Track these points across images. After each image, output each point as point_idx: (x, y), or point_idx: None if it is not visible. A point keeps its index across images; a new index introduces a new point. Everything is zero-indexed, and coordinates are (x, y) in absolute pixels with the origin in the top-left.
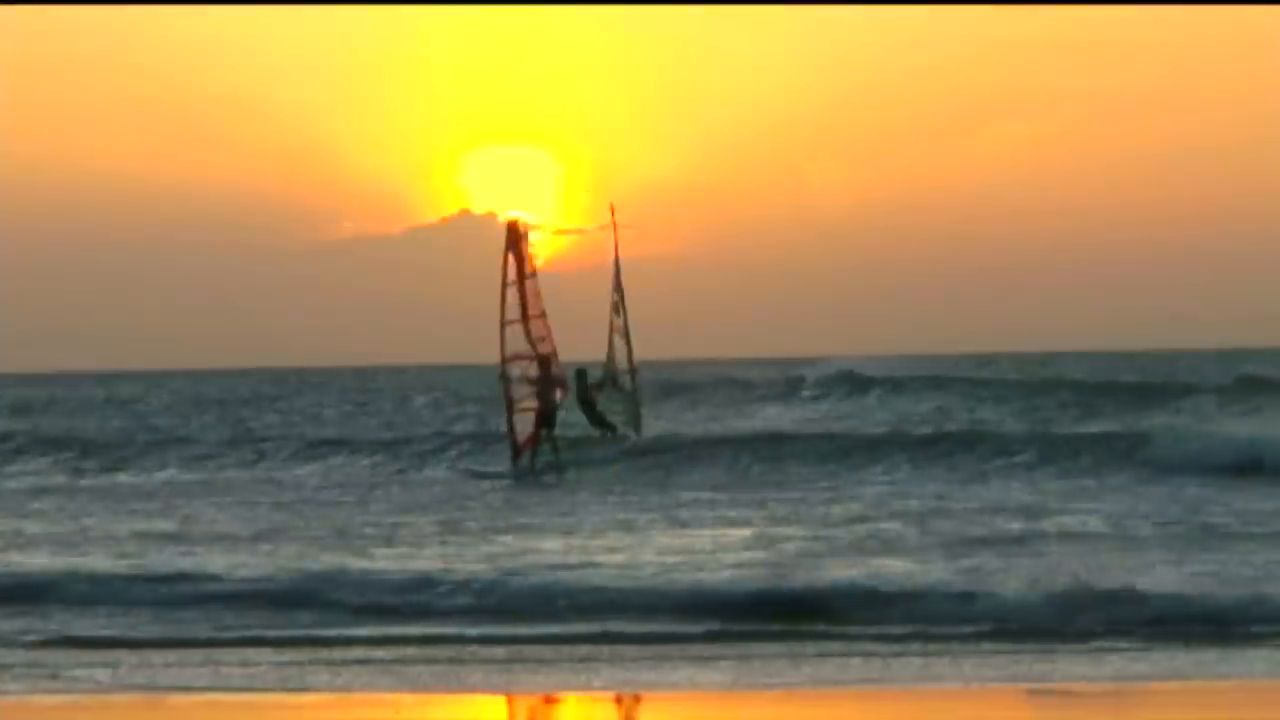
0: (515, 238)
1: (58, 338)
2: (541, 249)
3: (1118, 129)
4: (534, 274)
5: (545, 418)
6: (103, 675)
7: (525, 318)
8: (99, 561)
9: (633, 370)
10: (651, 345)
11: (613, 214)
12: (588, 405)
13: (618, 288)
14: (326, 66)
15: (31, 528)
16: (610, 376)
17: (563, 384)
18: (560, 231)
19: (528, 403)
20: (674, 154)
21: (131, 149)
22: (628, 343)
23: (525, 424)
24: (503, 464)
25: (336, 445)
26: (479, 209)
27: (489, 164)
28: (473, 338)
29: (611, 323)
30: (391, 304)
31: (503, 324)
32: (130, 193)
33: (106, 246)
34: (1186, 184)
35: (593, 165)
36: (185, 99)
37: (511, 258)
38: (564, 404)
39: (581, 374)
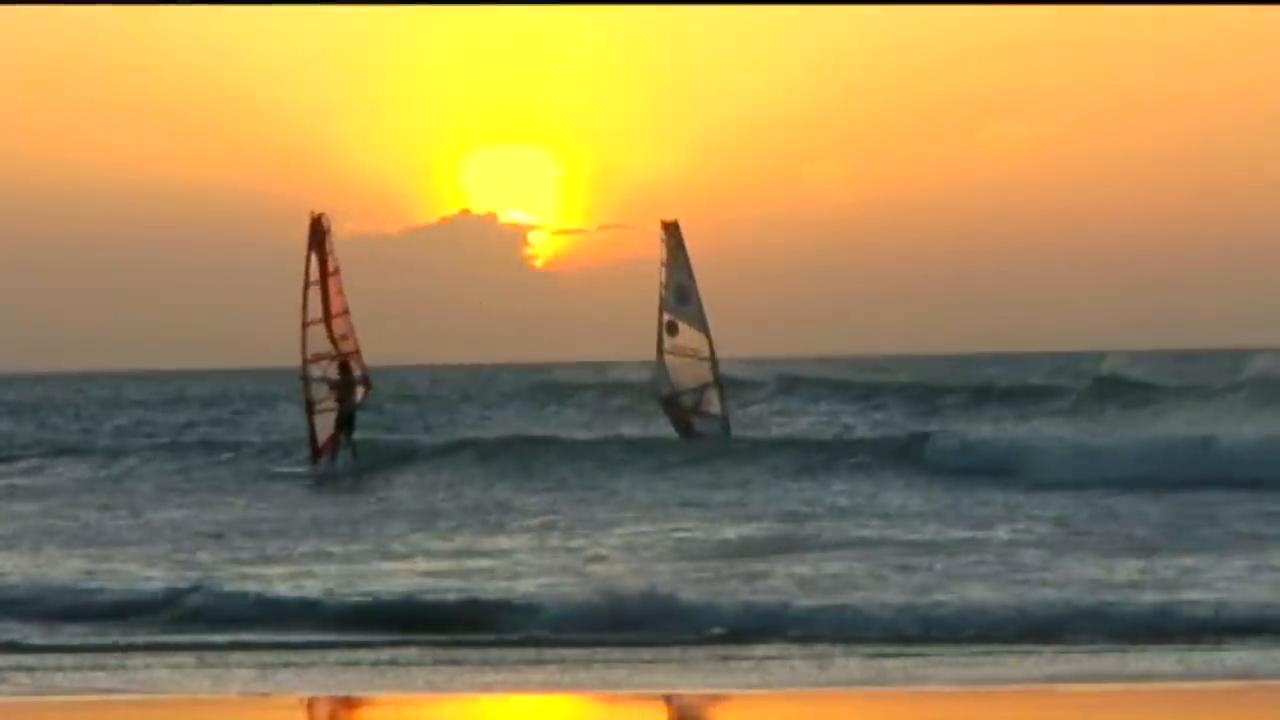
0: (318, 236)
1: (58, 338)
2: (541, 249)
3: (1117, 129)
4: (337, 272)
5: (345, 419)
6: None
7: (327, 317)
8: None
9: (719, 388)
10: (649, 346)
11: (663, 233)
12: (684, 426)
13: (675, 307)
14: (326, 66)
15: None
16: (698, 400)
17: (365, 383)
18: (560, 232)
19: (328, 403)
20: (673, 154)
21: (131, 148)
22: (712, 359)
23: (325, 425)
24: (304, 465)
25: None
26: (479, 209)
27: (489, 164)
28: (473, 337)
29: (660, 344)
30: (391, 304)
31: (304, 324)
32: (130, 192)
33: (106, 246)
34: (1186, 184)
35: (592, 165)
36: (185, 99)
37: (314, 257)
38: (364, 403)
39: (673, 398)
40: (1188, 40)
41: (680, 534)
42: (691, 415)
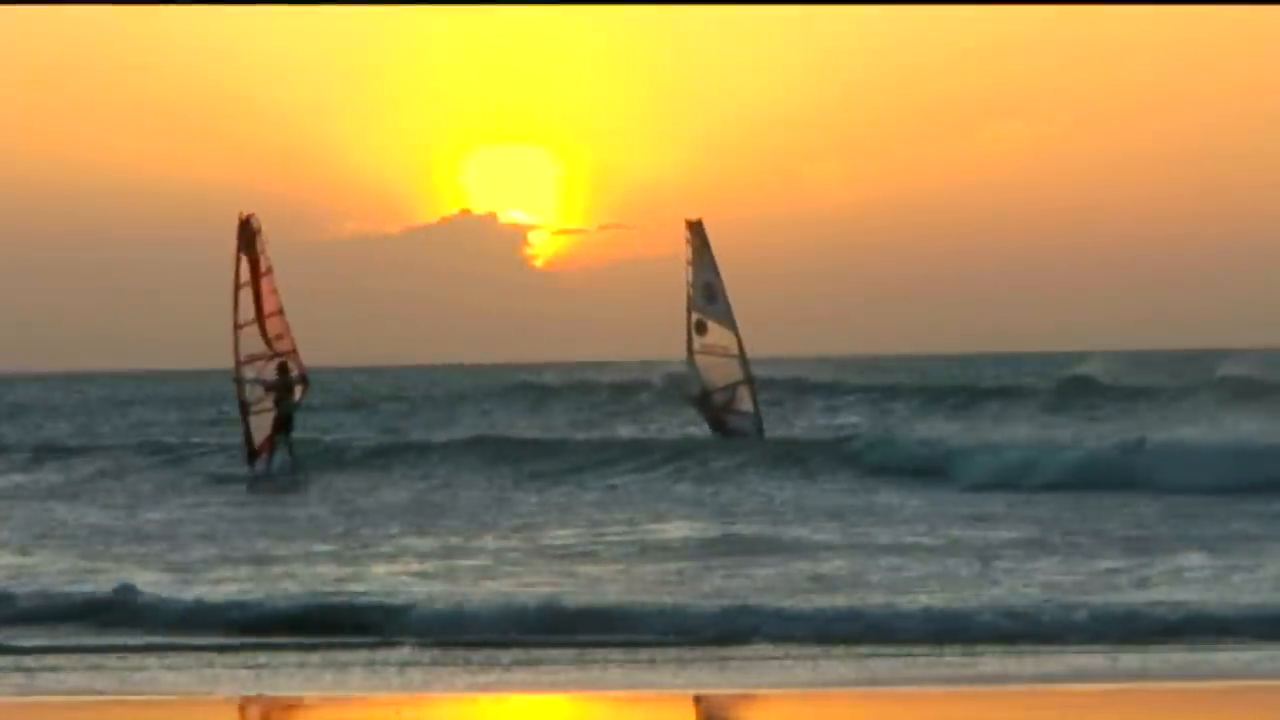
0: (248, 237)
1: (58, 338)
2: (541, 249)
3: (1117, 129)
4: (269, 272)
5: (282, 420)
6: None
7: (261, 318)
8: None
9: (750, 386)
10: (649, 346)
11: (688, 233)
12: (717, 422)
13: (703, 306)
14: (326, 66)
15: None
16: (731, 393)
17: (303, 383)
18: (560, 232)
19: (264, 405)
20: (673, 154)
21: (131, 148)
22: (742, 357)
23: (262, 426)
24: (240, 467)
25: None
26: (479, 209)
27: (489, 164)
28: (473, 337)
29: (690, 343)
30: (391, 304)
31: (236, 326)
32: (130, 192)
33: (106, 246)
34: (1186, 184)
35: (592, 165)
36: (185, 99)
37: (244, 258)
38: (302, 403)
39: (705, 395)
40: (1187, 40)
41: (608, 536)
42: (724, 413)
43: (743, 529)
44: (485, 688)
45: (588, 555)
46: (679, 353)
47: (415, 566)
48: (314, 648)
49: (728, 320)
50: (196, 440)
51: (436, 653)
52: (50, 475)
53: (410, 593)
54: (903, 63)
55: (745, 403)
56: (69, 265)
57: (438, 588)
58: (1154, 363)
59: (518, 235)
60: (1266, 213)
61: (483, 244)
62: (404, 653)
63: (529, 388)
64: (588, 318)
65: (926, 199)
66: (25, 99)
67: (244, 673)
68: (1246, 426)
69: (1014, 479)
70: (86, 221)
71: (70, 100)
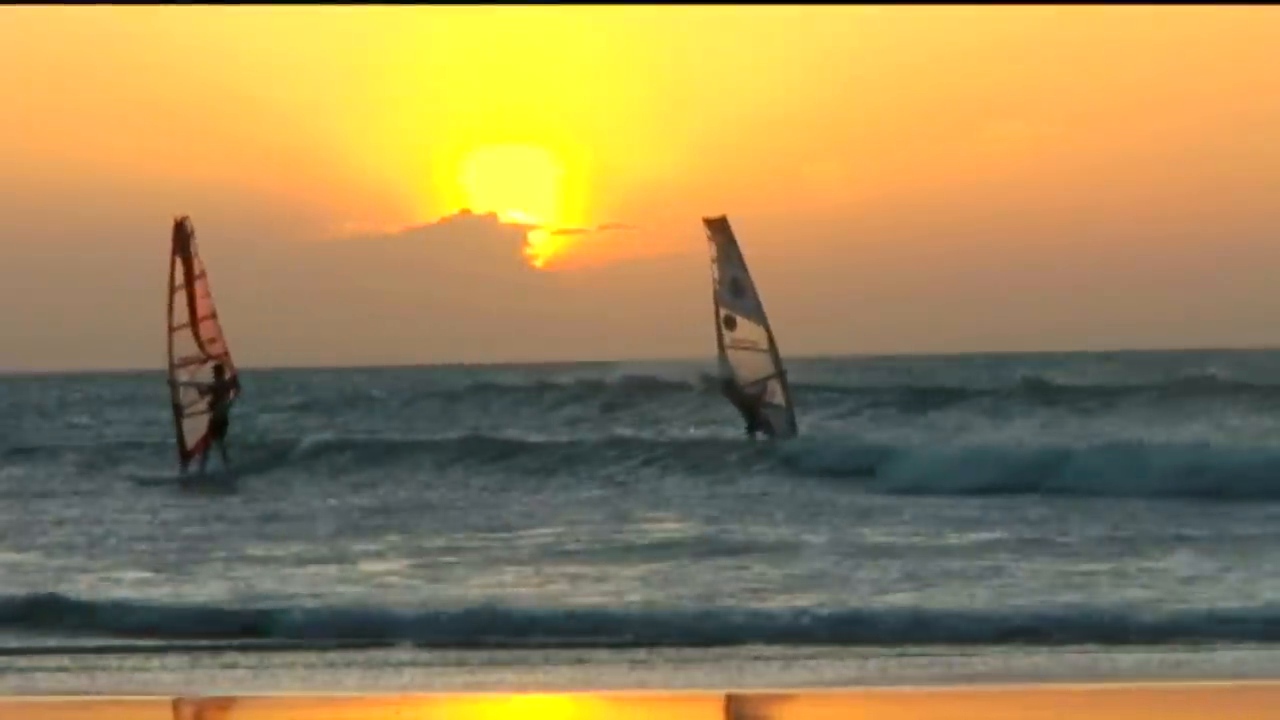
0: (182, 239)
1: (57, 338)
2: (541, 249)
3: (1117, 129)
4: (203, 275)
5: (216, 423)
6: None
7: (194, 321)
8: None
9: (782, 379)
10: (647, 345)
11: (709, 230)
12: (750, 411)
13: (731, 301)
14: (326, 66)
15: None
16: (762, 386)
17: (235, 386)
18: (560, 232)
19: (198, 407)
20: (673, 154)
21: (131, 148)
22: (773, 351)
23: (196, 429)
24: (173, 470)
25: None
26: (479, 209)
27: (489, 164)
28: (473, 337)
29: (721, 339)
30: (391, 304)
31: (170, 329)
32: (130, 192)
33: (105, 246)
34: (1187, 184)
35: (592, 165)
36: (185, 99)
37: (179, 261)
38: (235, 404)
39: (732, 386)
40: (1187, 40)
41: (521, 540)
42: (757, 406)
43: (628, 529)
44: (501, 687)
45: (506, 559)
46: (677, 352)
47: (333, 570)
48: (244, 649)
49: (757, 315)
50: (133, 441)
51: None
52: None
53: (323, 596)
54: (903, 63)
55: (777, 396)
56: (68, 265)
57: (350, 591)
58: (1142, 363)
59: (518, 235)
60: (1266, 213)
61: (483, 244)
62: (323, 654)
63: (489, 388)
64: (588, 318)
65: (926, 199)
66: (25, 99)
67: (167, 676)
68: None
69: (932, 481)
70: (85, 220)
71: (70, 100)
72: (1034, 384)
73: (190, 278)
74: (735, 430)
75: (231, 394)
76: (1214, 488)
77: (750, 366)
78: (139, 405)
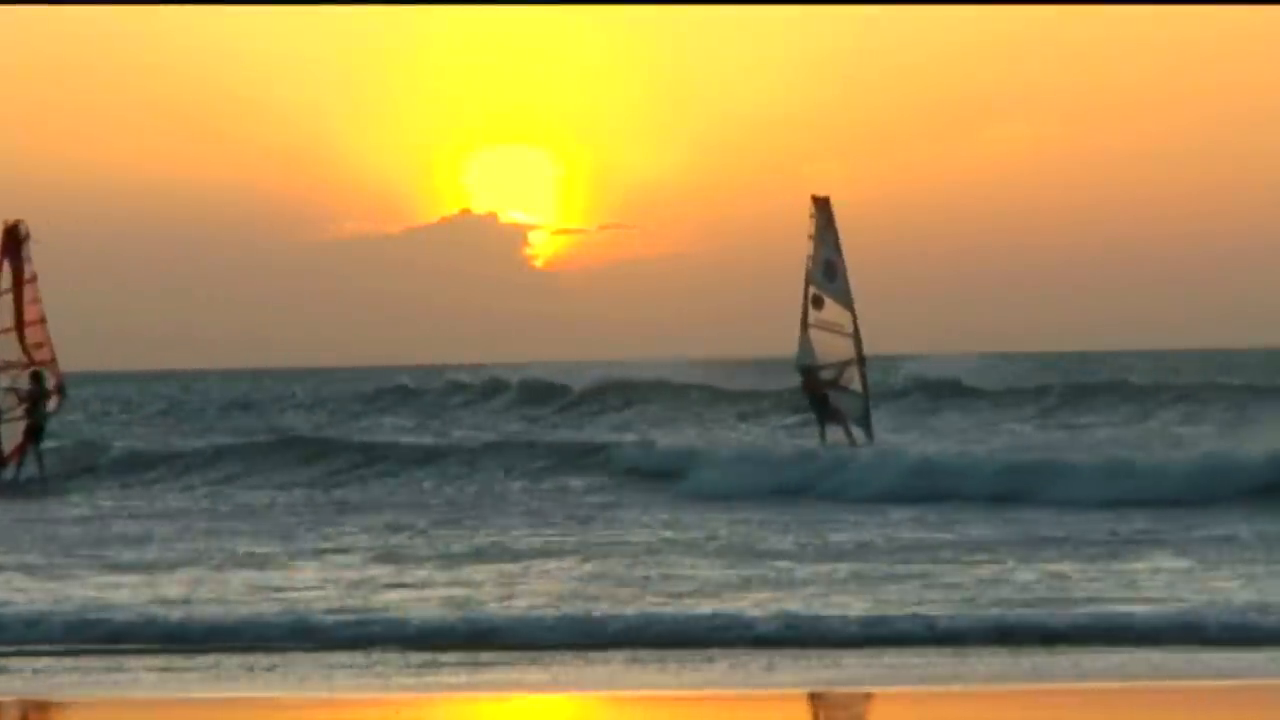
0: (14, 243)
1: (57, 337)
2: (542, 249)
3: (1117, 129)
4: (33, 280)
5: (34, 430)
6: None
7: (20, 325)
8: None
9: (861, 366)
10: (649, 346)
11: (813, 208)
12: (818, 402)
13: (822, 282)
14: (327, 66)
15: None
16: (839, 371)
17: (59, 393)
18: (560, 232)
19: (16, 413)
20: (673, 154)
21: (131, 148)
22: (856, 337)
23: (12, 434)
24: None
25: None
26: (479, 209)
27: (489, 164)
28: (473, 337)
29: (804, 319)
30: (391, 304)
31: None
32: (130, 192)
33: (105, 245)
34: (1187, 184)
35: (592, 165)
36: (185, 98)
37: (8, 265)
38: (57, 413)
39: (809, 370)
40: (1188, 40)
41: (298, 543)
42: (829, 388)
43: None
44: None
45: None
46: (676, 352)
47: (134, 577)
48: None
49: (845, 300)
50: None
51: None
52: None
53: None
54: (903, 63)
55: (854, 383)
56: (67, 264)
57: (142, 595)
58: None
59: (518, 235)
60: (1266, 212)
61: (483, 244)
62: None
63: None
64: (588, 318)
65: (926, 199)
66: (25, 99)
67: None
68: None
69: (734, 486)
70: (85, 220)
71: (70, 100)
72: (920, 384)
73: (19, 281)
74: (611, 433)
75: (52, 401)
76: (944, 492)
77: (832, 349)
78: None
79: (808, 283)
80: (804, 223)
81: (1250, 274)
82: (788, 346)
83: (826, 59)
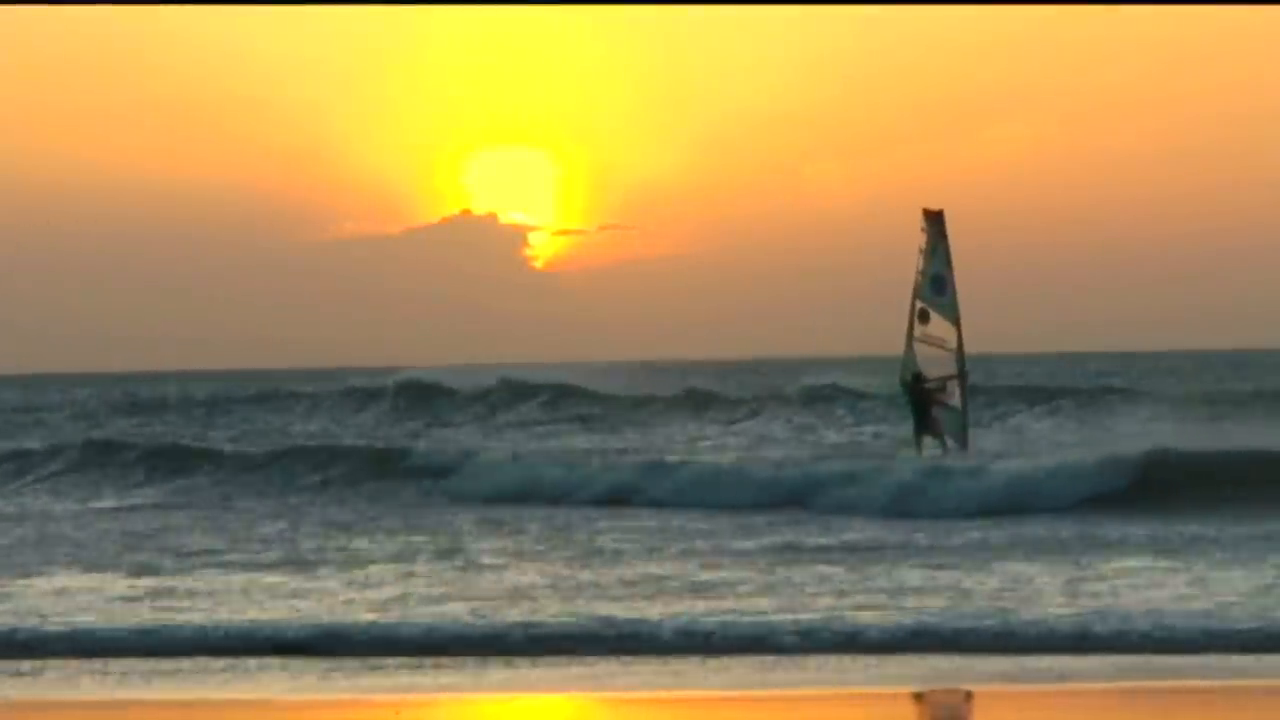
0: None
1: (57, 338)
2: (541, 249)
3: (1117, 128)
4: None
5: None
6: None
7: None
8: None
9: (962, 381)
10: (649, 346)
11: (924, 222)
12: (921, 410)
13: (930, 297)
14: (328, 67)
15: None
16: (941, 385)
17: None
18: (560, 232)
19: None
20: (673, 155)
21: (132, 148)
22: (959, 352)
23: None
24: None
25: None
26: (479, 209)
27: (489, 165)
28: (473, 337)
29: (910, 330)
30: (392, 304)
31: None
32: (131, 192)
33: (106, 245)
34: (1187, 183)
35: (592, 166)
36: (186, 99)
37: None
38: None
39: (918, 378)
40: (1187, 40)
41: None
42: (931, 402)
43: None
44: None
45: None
46: (677, 352)
47: None
48: None
49: (952, 314)
50: None
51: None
52: None
53: None
54: (902, 62)
55: (954, 398)
56: (68, 264)
57: None
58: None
59: (518, 236)
60: (1266, 211)
61: (483, 244)
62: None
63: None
64: (588, 318)
65: (926, 198)
66: (26, 99)
67: None
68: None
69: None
70: (86, 220)
71: (71, 100)
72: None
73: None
74: (469, 438)
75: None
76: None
77: (933, 363)
78: None
79: (915, 296)
80: (804, 223)
81: (1250, 274)
82: (788, 346)
83: (826, 59)
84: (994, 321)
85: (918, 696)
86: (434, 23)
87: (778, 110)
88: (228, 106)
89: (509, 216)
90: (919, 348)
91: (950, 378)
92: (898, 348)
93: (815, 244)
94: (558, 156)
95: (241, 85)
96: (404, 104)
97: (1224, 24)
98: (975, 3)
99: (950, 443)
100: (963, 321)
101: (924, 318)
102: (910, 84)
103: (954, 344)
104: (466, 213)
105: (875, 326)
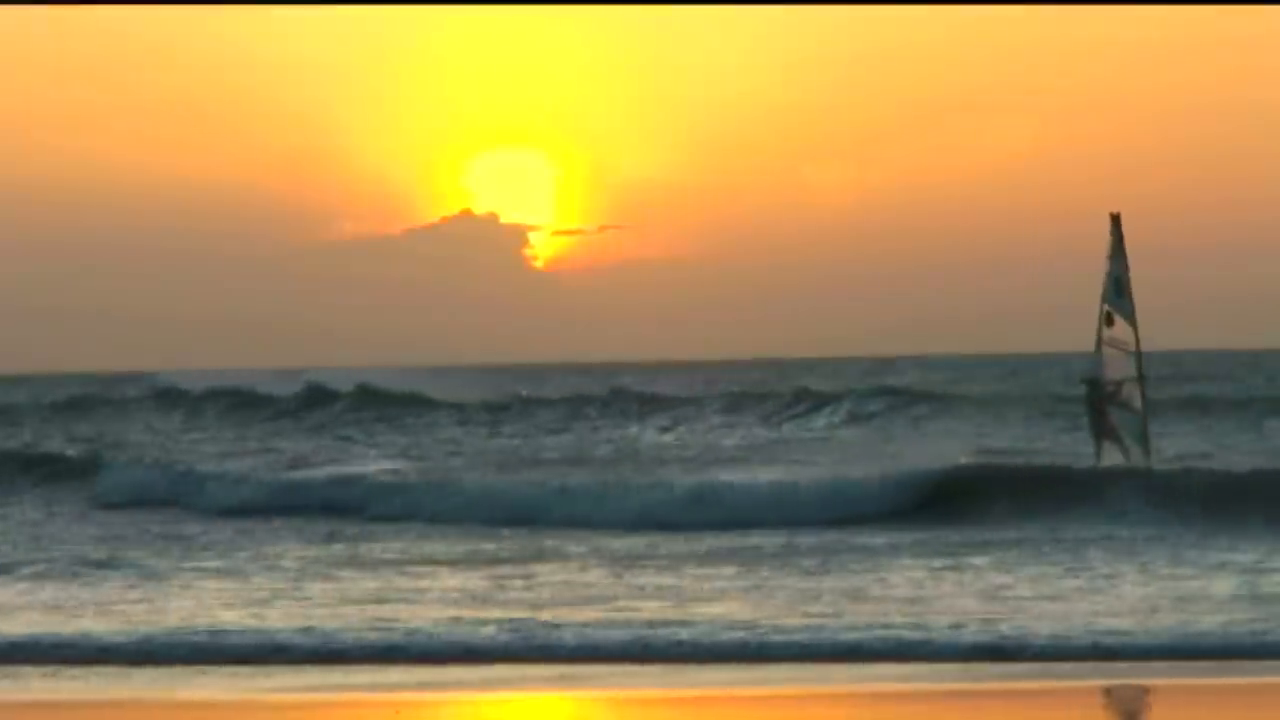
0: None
1: (57, 338)
2: (542, 249)
3: (1117, 128)
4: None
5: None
6: None
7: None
8: None
9: (1142, 384)
10: (648, 346)
11: (1113, 224)
12: (1098, 417)
13: (1114, 300)
14: (329, 67)
15: None
16: (1117, 391)
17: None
18: (560, 232)
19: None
20: (672, 155)
21: (133, 148)
22: (1138, 355)
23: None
24: None
25: None
26: (480, 210)
27: (490, 165)
28: (474, 338)
29: (1100, 334)
30: (392, 304)
31: None
32: (131, 192)
33: (106, 245)
34: (1187, 183)
35: (592, 166)
36: (186, 99)
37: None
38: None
39: (1095, 383)
40: (1188, 40)
41: None
42: (1108, 404)
43: None
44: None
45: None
46: (675, 352)
47: None
48: None
49: (1130, 317)
50: None
51: None
52: None
53: None
54: (902, 62)
55: (1135, 401)
56: (68, 264)
57: None
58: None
59: (518, 236)
60: (1266, 210)
61: (483, 245)
62: None
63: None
64: (588, 318)
65: (926, 198)
66: (27, 99)
67: None
68: None
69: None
70: (86, 220)
71: (73, 100)
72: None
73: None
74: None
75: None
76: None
77: (1114, 367)
78: None
79: (1102, 300)
80: (803, 223)
81: (1250, 274)
82: (788, 347)
83: (824, 58)
84: (993, 321)
85: None
86: (434, 23)
87: (777, 110)
88: (228, 106)
89: (509, 217)
90: (1106, 351)
91: (1128, 380)
92: (897, 348)
93: (814, 243)
94: (558, 157)
95: (242, 85)
96: (404, 104)
97: (1225, 24)
98: (975, 3)
99: (1133, 448)
100: (965, 320)
101: (1109, 321)
102: (911, 84)
103: (1133, 346)
104: (467, 213)
105: (875, 326)
